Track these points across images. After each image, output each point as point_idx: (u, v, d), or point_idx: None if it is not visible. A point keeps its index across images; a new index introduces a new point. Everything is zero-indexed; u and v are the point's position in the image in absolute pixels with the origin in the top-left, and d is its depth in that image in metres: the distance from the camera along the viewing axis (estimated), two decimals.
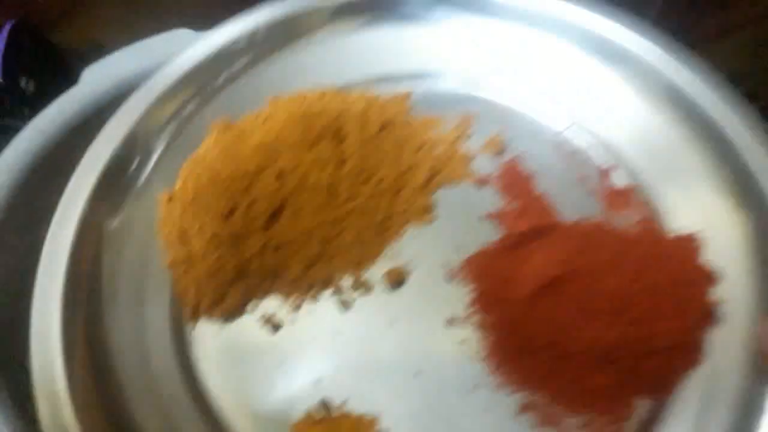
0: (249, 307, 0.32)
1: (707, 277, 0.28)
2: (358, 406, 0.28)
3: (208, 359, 0.30)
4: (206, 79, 0.35)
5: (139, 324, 0.31)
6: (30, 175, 0.35)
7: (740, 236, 0.29)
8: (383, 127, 0.35)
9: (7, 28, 0.48)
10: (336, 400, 0.29)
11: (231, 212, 0.31)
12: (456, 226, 0.33)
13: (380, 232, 0.33)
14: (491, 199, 0.34)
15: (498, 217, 0.33)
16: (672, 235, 0.30)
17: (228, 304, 0.31)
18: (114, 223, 0.32)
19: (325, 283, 0.32)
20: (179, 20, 0.38)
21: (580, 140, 0.35)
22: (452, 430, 0.28)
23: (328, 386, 0.29)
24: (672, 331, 0.27)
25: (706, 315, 0.27)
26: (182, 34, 0.38)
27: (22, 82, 0.48)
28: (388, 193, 0.33)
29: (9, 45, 0.48)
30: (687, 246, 0.29)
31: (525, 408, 0.28)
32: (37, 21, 0.53)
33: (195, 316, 0.31)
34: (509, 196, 0.33)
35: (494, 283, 0.30)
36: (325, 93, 0.37)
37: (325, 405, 0.28)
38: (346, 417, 0.28)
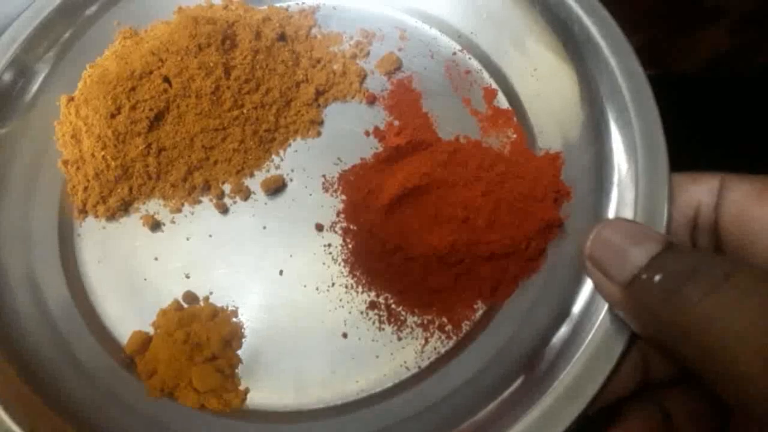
0: (132, 207, 0.33)
1: (559, 194, 0.29)
2: (221, 298, 0.30)
3: (89, 254, 0.32)
4: None
5: (28, 221, 0.32)
6: None
7: (590, 161, 0.30)
8: (281, 39, 0.36)
9: None
10: (202, 292, 0.30)
11: (116, 112, 0.32)
12: (340, 141, 0.34)
13: (264, 141, 0.34)
14: (379, 117, 0.34)
15: (380, 133, 0.34)
16: (538, 154, 0.31)
17: (112, 202, 0.33)
18: (5, 129, 0.33)
19: (206, 188, 0.33)
20: None
21: (471, 63, 0.35)
22: (306, 322, 0.29)
23: (195, 280, 0.31)
24: (511, 239, 0.28)
25: (549, 227, 0.29)
26: None
27: None
28: (276, 104, 0.34)
29: None
30: (549, 165, 0.31)
31: (372, 305, 0.29)
32: None
33: (82, 213, 0.33)
34: (394, 114, 0.34)
35: (361, 194, 0.32)
36: (231, 3, 0.37)
37: (191, 295, 0.30)
38: (208, 306, 0.30)
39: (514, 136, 0.33)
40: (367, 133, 0.34)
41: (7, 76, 0.34)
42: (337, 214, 0.32)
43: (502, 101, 0.34)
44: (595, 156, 0.30)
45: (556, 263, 0.28)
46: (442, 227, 0.29)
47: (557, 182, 0.30)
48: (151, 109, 0.32)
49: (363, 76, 0.36)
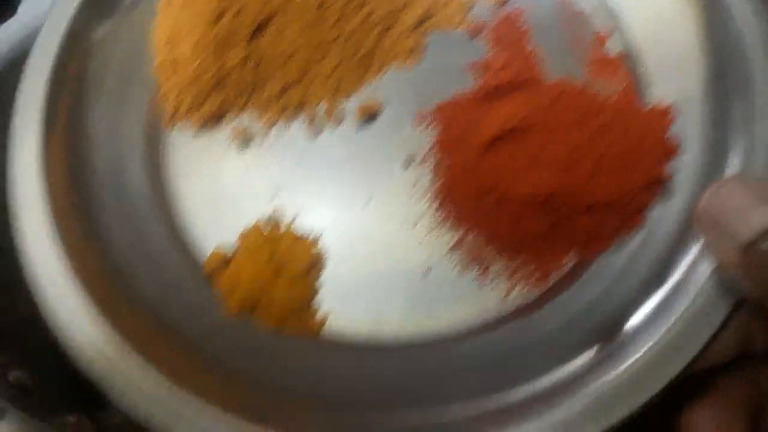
0: (224, 120, 0.33)
1: (666, 151, 0.28)
2: (305, 223, 0.30)
3: (177, 165, 0.32)
4: None
5: (117, 126, 0.33)
6: None
7: (704, 118, 0.28)
8: None
9: None
10: (285, 217, 0.30)
11: (218, 18, 0.31)
12: (438, 73, 0.33)
13: (362, 65, 0.33)
14: (481, 51, 0.33)
15: (482, 67, 0.32)
16: (648, 107, 0.30)
17: (205, 110, 0.33)
18: (101, 32, 0.33)
19: (299, 108, 0.33)
20: None
21: (584, 3, 0.33)
22: (388, 257, 0.29)
23: (282, 202, 0.31)
24: (615, 190, 0.27)
25: (653, 184, 0.27)
26: None
27: None
28: (378, 27, 0.33)
29: None
30: (657, 119, 0.29)
31: (458, 245, 0.29)
32: None
33: (172, 120, 0.33)
34: (498, 48, 0.33)
35: (457, 129, 0.31)
36: None
37: (273, 219, 0.30)
38: (290, 233, 0.30)
39: (623, 85, 0.31)
40: (468, 67, 0.32)
41: None
42: (429, 149, 0.31)
43: (613, 48, 0.32)
44: (710, 112, 0.28)
45: (657, 222, 0.27)
46: (541, 172, 0.28)
47: (664, 138, 0.28)
48: (255, 15, 0.31)
49: (469, 7, 0.34)
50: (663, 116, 0.29)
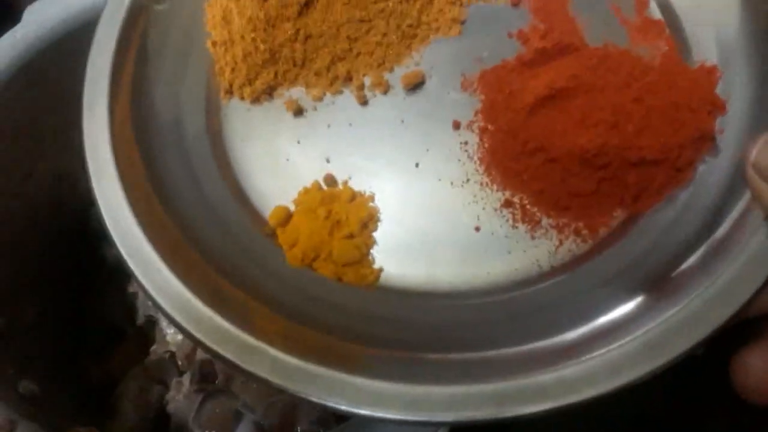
0: (277, 92, 0.34)
1: (714, 106, 0.28)
2: (358, 184, 0.32)
3: (235, 132, 0.34)
4: None
5: (179, 97, 0.34)
6: None
7: (750, 76, 0.28)
8: None
9: None
10: (341, 176, 0.32)
11: None
12: (481, 41, 0.34)
13: (406, 36, 0.34)
14: (523, 19, 0.34)
15: (524, 35, 0.33)
16: (692, 66, 0.30)
17: (258, 85, 0.34)
18: (162, 5, 0.35)
19: (348, 79, 0.34)
20: None
21: None
22: (440, 213, 0.30)
23: (335, 165, 0.32)
24: (663, 146, 0.27)
25: (701, 139, 0.28)
26: None
27: None
28: (420, 0, 0.34)
29: None
30: (704, 77, 0.29)
31: (507, 204, 0.30)
32: None
33: (228, 93, 0.34)
34: (540, 17, 0.33)
35: (502, 94, 0.31)
36: None
37: (331, 177, 0.31)
38: (347, 189, 0.31)
39: (666, 48, 0.32)
40: (511, 35, 0.33)
41: None
42: (475, 114, 0.32)
43: (655, 11, 0.33)
44: (756, 71, 0.29)
45: (706, 178, 0.28)
46: (588, 130, 0.28)
47: (712, 94, 0.29)
48: None
49: None
50: (710, 73, 0.29)
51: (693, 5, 0.32)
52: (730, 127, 0.28)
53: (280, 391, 0.24)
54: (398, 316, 0.27)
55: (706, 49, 0.31)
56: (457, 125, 0.32)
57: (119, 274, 0.48)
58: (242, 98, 0.34)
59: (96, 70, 0.32)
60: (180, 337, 0.45)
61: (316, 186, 0.31)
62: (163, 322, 0.46)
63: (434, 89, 0.33)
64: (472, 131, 0.32)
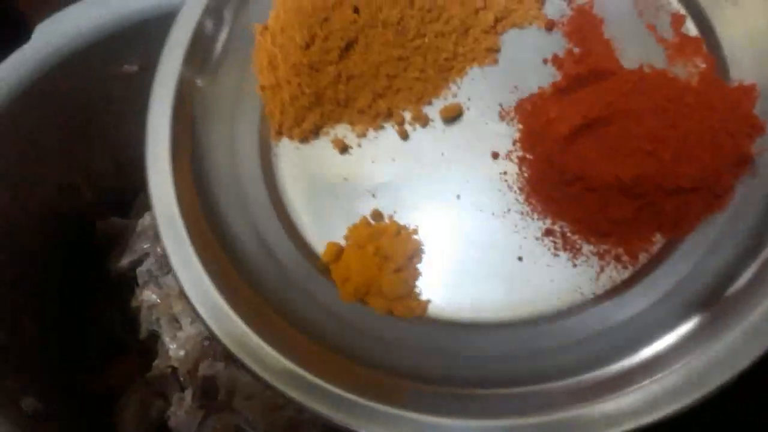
0: (323, 131, 0.36)
1: (753, 128, 0.28)
2: (403, 217, 0.33)
3: (286, 172, 0.36)
4: None
5: (234, 141, 0.37)
6: None
7: None
8: None
9: None
10: (387, 211, 0.33)
11: (310, 42, 0.35)
12: (517, 69, 0.35)
13: (443, 70, 0.35)
14: (558, 44, 0.34)
15: (559, 60, 0.34)
16: (731, 85, 0.30)
17: (306, 126, 0.36)
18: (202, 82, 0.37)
19: (389, 115, 0.36)
20: None
21: None
22: (482, 244, 0.32)
23: (381, 200, 0.34)
24: (700, 173, 0.28)
25: (740, 163, 0.28)
26: None
27: None
28: (456, 32, 0.35)
29: None
30: (742, 97, 0.29)
31: (548, 232, 0.31)
32: None
33: (278, 135, 0.37)
34: (574, 41, 0.34)
35: (539, 123, 0.32)
36: None
37: (377, 212, 0.33)
38: (393, 224, 0.33)
39: (704, 65, 0.32)
40: (546, 61, 0.34)
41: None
42: (513, 143, 0.33)
43: (691, 28, 0.33)
44: None
45: (745, 201, 0.28)
46: (625, 159, 0.29)
47: (751, 115, 0.29)
48: (342, 39, 0.35)
49: (542, 1, 0.35)
50: (748, 93, 0.29)
51: (729, 20, 0.32)
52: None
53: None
54: (446, 349, 0.29)
55: (744, 68, 0.30)
56: (496, 155, 0.33)
57: (122, 287, 0.48)
58: (291, 138, 0.36)
59: (156, 134, 0.34)
60: (182, 352, 0.45)
61: (364, 222, 0.33)
62: (166, 337, 0.46)
63: (472, 120, 0.34)
64: (511, 161, 0.33)
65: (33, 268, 0.45)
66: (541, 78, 0.34)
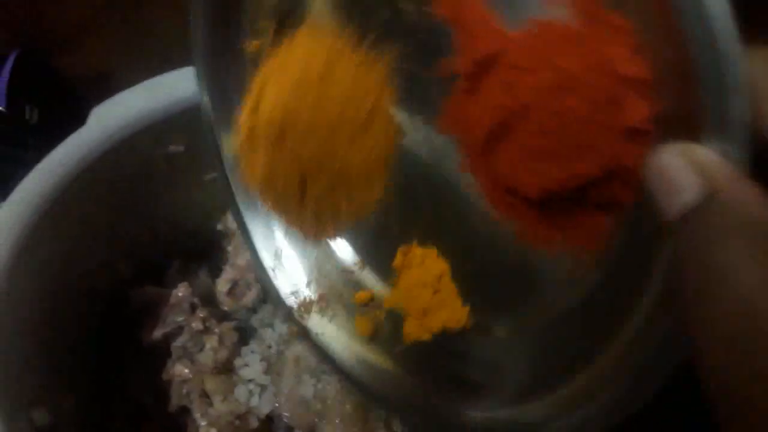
0: None
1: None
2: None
3: None
4: None
5: None
6: (38, 219, 0.37)
7: None
8: None
9: (12, 56, 0.48)
10: None
11: None
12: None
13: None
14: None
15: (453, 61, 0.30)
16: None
17: None
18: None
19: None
20: (186, 46, 0.36)
21: None
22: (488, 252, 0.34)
23: None
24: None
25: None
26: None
27: (27, 112, 0.48)
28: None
29: (14, 74, 0.46)
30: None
31: (521, 237, 0.31)
32: (42, 48, 0.51)
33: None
34: (457, 28, 0.30)
35: (470, 133, 0.31)
36: None
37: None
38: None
39: None
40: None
41: None
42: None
43: None
44: None
45: None
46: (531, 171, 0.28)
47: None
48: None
49: None
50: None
51: None
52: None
53: None
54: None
55: None
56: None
57: (154, 357, 0.48)
58: None
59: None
60: (213, 430, 0.44)
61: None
62: (197, 413, 0.45)
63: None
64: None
65: (71, 343, 0.45)
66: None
